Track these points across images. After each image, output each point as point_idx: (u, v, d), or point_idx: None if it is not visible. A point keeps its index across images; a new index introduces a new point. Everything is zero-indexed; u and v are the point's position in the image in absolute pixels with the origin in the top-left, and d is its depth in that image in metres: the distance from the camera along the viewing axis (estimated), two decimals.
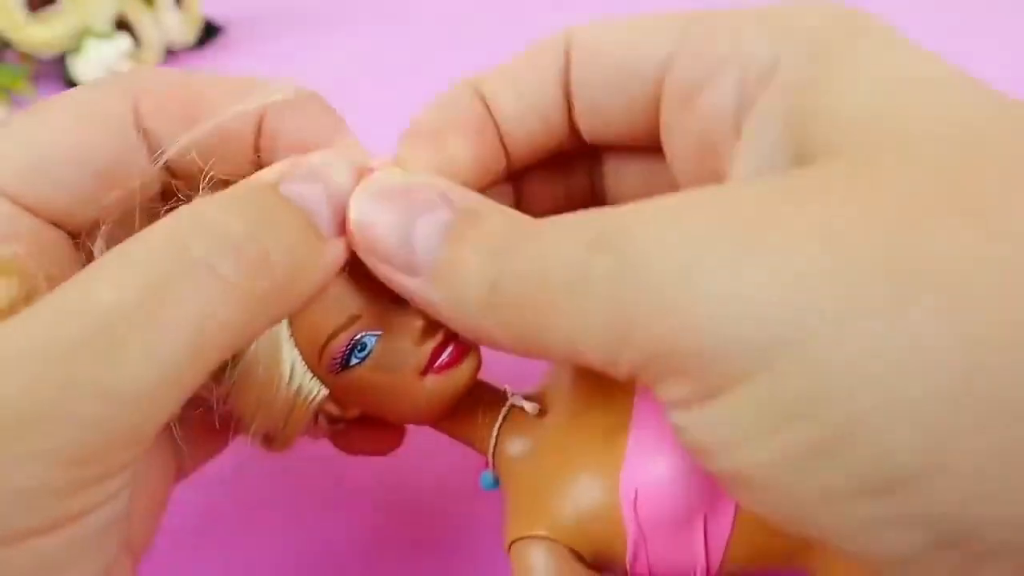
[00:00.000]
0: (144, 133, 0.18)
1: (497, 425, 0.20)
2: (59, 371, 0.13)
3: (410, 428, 0.22)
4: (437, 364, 0.18)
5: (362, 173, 0.17)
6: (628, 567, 0.19)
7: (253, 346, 0.17)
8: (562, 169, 0.21)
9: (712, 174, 0.18)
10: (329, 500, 0.26)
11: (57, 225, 0.18)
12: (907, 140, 0.13)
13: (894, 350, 0.11)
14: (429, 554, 0.25)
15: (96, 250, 0.18)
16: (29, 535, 0.13)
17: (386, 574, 0.25)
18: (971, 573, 0.12)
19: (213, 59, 0.55)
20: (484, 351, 0.19)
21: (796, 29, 0.16)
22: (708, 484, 0.18)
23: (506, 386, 0.21)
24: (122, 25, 0.51)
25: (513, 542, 0.19)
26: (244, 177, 0.17)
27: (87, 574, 0.14)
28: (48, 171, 0.17)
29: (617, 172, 0.21)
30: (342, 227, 0.16)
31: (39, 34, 0.48)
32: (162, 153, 0.18)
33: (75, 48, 0.49)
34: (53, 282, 0.15)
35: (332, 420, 0.20)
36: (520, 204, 0.21)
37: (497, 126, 0.19)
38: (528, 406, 0.20)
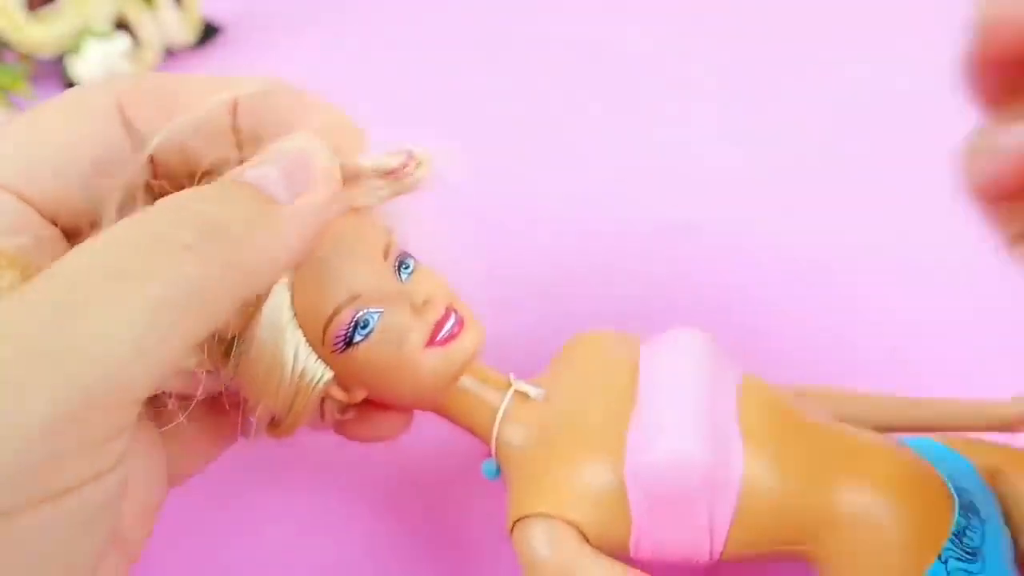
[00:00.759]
0: (127, 126, 0.18)
1: (501, 411, 0.20)
2: (26, 338, 0.13)
3: (414, 423, 0.22)
4: (440, 336, 0.19)
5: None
6: (632, 550, 0.19)
7: (257, 329, 0.17)
8: None
9: None
10: (329, 492, 0.26)
11: (54, 222, 0.18)
12: None
13: None
14: (429, 544, 0.25)
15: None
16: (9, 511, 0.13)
17: (387, 565, 0.25)
18: None
19: (213, 59, 0.55)
20: (490, 333, 0.20)
21: None
22: (711, 467, 0.18)
23: (510, 373, 0.21)
24: (122, 25, 0.51)
25: (516, 522, 0.19)
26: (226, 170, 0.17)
27: (73, 558, 0.14)
28: (48, 166, 0.18)
29: None
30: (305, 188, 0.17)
31: (38, 34, 0.48)
32: (146, 145, 0.18)
33: (74, 48, 0.49)
34: None
35: (338, 406, 0.20)
36: None
37: None
38: (532, 391, 0.20)
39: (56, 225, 0.18)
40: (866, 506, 0.19)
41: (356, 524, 0.26)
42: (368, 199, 0.19)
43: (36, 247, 0.17)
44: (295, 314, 0.18)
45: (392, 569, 0.25)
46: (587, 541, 0.19)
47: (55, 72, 0.50)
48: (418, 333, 0.18)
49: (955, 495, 0.19)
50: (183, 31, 0.53)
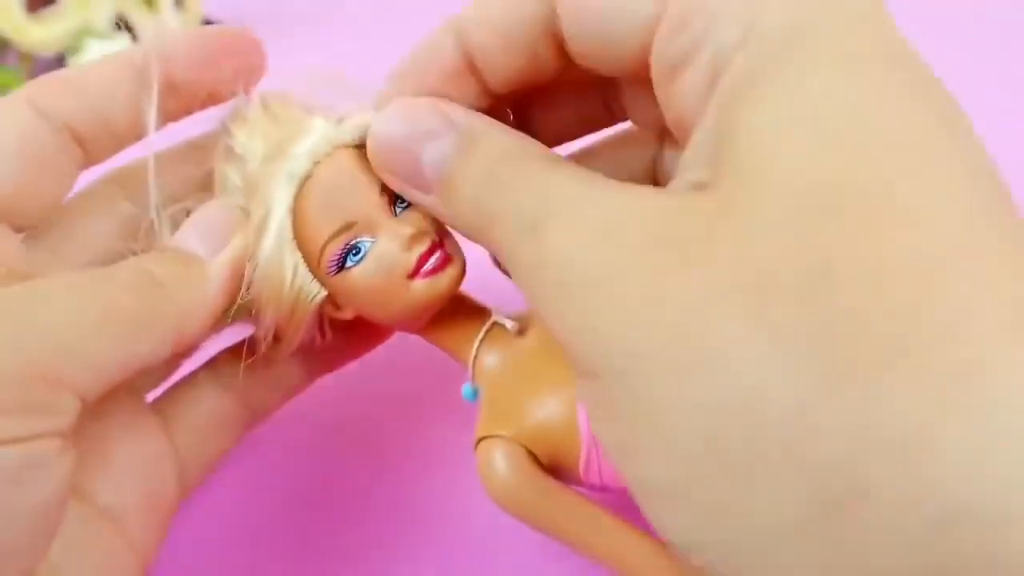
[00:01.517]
0: (43, 114, 0.20)
1: (479, 338, 0.22)
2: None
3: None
4: (424, 269, 0.20)
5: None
6: (581, 474, 0.21)
7: (264, 251, 0.20)
8: (574, 93, 0.22)
9: None
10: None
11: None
12: (781, 197, 0.14)
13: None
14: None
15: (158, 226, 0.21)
16: None
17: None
18: None
19: None
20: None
21: (768, 14, 0.15)
22: None
23: (493, 306, 0.23)
24: (122, 25, 0.51)
25: (480, 440, 0.21)
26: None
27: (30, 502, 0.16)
28: None
29: (632, 96, 0.21)
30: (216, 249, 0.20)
31: (39, 34, 0.48)
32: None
33: (75, 48, 0.49)
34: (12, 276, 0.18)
35: (332, 322, 0.22)
36: (530, 129, 0.22)
37: (479, 66, 0.19)
38: (509, 324, 0.23)
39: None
40: None
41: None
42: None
43: None
44: (294, 237, 0.20)
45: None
46: (540, 464, 0.21)
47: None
48: (404, 263, 0.20)
49: None
50: (183, 31, 0.53)
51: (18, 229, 0.20)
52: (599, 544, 0.20)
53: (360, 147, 0.21)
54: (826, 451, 0.12)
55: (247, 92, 0.22)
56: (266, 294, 0.21)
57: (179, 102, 0.21)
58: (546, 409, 0.21)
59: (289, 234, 0.20)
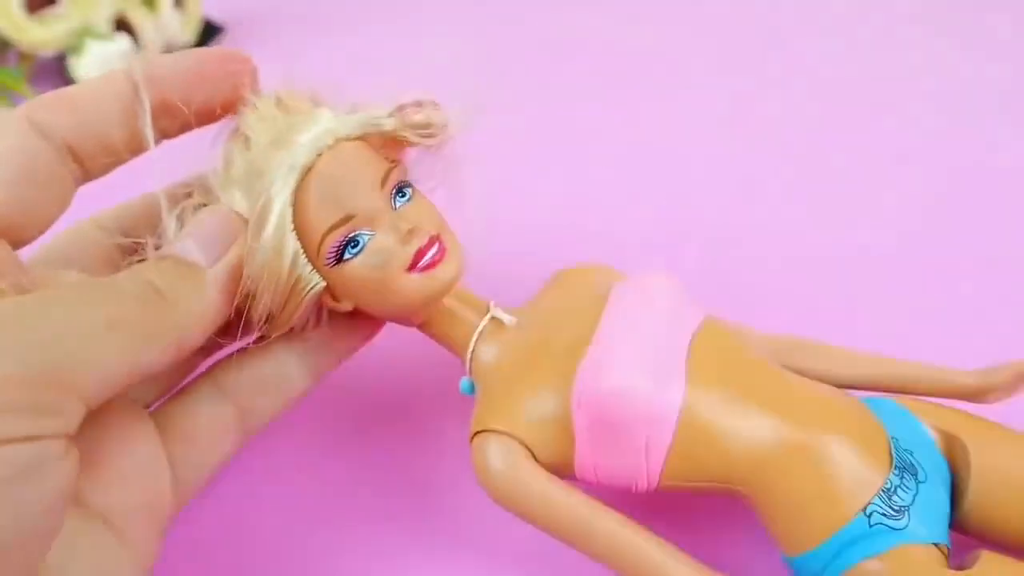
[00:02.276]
0: (40, 132, 0.20)
1: (477, 332, 0.22)
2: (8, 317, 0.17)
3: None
4: (421, 263, 0.20)
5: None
6: (576, 472, 0.21)
7: (265, 238, 0.20)
8: None
9: None
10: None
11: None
12: None
13: None
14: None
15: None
16: None
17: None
18: None
19: None
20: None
21: None
22: (649, 402, 0.20)
23: (492, 300, 0.23)
24: (122, 25, 0.51)
25: (476, 433, 0.21)
26: None
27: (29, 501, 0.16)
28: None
29: None
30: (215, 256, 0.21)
31: (39, 34, 0.48)
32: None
33: (75, 48, 0.49)
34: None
35: (331, 313, 0.22)
36: None
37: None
38: (507, 318, 0.23)
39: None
40: (798, 454, 0.20)
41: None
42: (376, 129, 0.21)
43: None
44: (295, 227, 0.20)
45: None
46: (536, 460, 0.21)
47: (55, 72, 0.51)
48: (401, 257, 0.20)
49: (895, 455, 0.20)
50: (183, 31, 0.53)
51: (17, 245, 0.20)
52: (594, 539, 0.20)
53: (363, 140, 0.21)
54: None
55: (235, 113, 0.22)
56: (265, 280, 0.21)
57: (173, 121, 0.21)
58: (541, 403, 0.21)
59: (290, 223, 0.20)
